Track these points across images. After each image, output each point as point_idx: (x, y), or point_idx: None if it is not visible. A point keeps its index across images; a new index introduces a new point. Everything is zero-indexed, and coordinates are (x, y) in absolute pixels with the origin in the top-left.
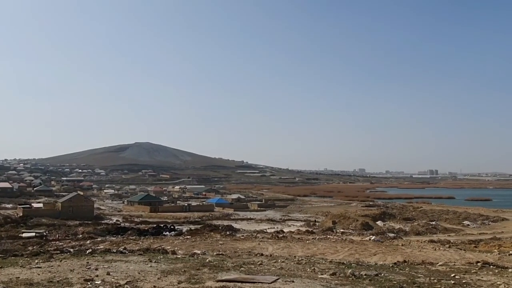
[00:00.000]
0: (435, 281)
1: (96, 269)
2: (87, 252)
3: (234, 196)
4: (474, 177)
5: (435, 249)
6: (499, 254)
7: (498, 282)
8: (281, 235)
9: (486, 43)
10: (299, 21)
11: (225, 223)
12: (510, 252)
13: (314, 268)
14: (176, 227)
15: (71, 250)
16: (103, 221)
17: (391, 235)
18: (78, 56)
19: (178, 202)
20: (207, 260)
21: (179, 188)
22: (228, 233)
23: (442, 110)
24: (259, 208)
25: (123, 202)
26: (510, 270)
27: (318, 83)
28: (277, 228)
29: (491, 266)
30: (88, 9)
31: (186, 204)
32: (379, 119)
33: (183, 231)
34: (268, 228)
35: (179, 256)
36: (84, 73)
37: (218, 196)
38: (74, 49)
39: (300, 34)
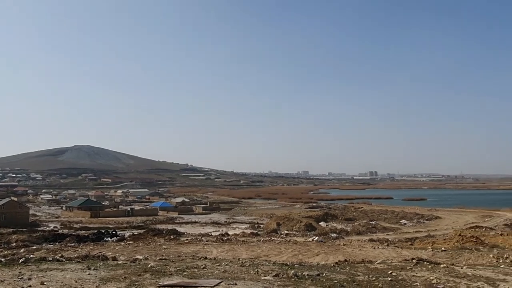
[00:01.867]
0: (374, 278)
1: (29, 279)
2: (20, 261)
3: (179, 199)
4: (410, 178)
5: (374, 248)
6: (432, 250)
7: (431, 277)
8: (225, 238)
9: (435, 44)
10: (240, 20)
11: (169, 227)
12: (443, 248)
13: (257, 270)
14: (118, 233)
15: (3, 259)
16: (39, 228)
17: (334, 235)
18: (13, 54)
19: (120, 206)
20: (149, 266)
21: (122, 192)
22: (172, 237)
23: (380, 113)
24: (204, 211)
25: (62, 208)
26: (442, 265)
27: (261, 85)
28: (222, 231)
29: (425, 262)
30: (24, 8)
31: (128, 209)
32: (322, 122)
33: (126, 236)
34: (213, 231)
35: (120, 262)
36: (21, 73)
37: (162, 199)
38: (10, 48)
39: (242, 34)
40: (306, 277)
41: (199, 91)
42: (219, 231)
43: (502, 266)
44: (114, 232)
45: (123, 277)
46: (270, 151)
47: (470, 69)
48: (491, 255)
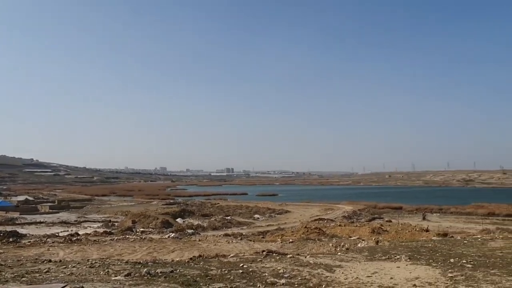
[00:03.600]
0: (226, 272)
1: None
2: None
3: (21, 198)
4: (264, 175)
5: (229, 242)
6: (281, 242)
7: (278, 268)
8: (75, 238)
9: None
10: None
11: (9, 228)
12: (290, 240)
13: (108, 271)
14: None
15: None
16: None
17: (190, 231)
18: None
19: None
20: None
21: None
22: (11, 239)
23: (236, 111)
24: (51, 210)
25: None
26: (288, 256)
27: (115, 77)
28: (72, 230)
29: (274, 254)
30: None
31: None
32: (179, 118)
33: None
34: (61, 232)
35: None
36: None
37: (0, 198)
38: None
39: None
40: (159, 274)
41: (46, 79)
42: (68, 231)
43: (339, 253)
44: None
45: None
46: (126, 146)
47: (324, 72)
48: (331, 244)
